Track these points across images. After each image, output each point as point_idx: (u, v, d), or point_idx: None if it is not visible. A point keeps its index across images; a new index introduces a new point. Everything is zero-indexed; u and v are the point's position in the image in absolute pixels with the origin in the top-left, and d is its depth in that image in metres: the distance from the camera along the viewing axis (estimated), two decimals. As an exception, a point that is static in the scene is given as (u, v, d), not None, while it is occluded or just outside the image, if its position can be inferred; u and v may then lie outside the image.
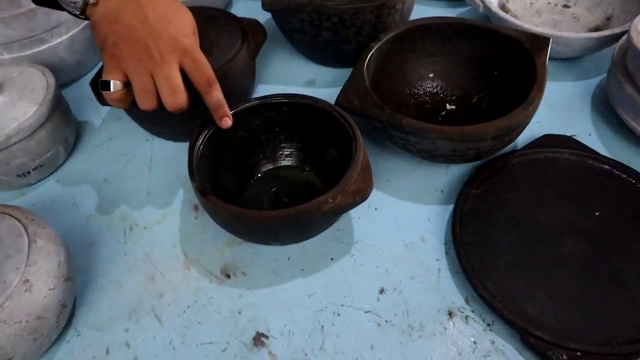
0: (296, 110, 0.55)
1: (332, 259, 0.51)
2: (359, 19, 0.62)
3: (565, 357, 0.42)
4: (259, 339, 0.46)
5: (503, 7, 0.76)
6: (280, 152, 0.58)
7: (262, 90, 0.70)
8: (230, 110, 0.51)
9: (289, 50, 0.77)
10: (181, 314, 0.48)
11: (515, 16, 0.76)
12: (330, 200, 0.44)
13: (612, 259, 0.48)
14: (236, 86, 0.60)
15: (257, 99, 0.54)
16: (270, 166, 0.58)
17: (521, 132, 0.54)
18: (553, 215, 0.51)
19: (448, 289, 0.48)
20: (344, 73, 0.72)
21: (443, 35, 0.63)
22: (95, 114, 0.70)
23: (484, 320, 0.46)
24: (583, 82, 0.68)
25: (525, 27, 0.65)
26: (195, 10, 0.64)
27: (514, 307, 0.45)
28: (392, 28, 0.61)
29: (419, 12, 0.80)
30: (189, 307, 0.49)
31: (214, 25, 0.62)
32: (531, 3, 0.78)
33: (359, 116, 0.53)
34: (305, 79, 0.72)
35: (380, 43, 0.59)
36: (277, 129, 0.57)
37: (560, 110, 0.65)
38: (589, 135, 0.62)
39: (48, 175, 0.62)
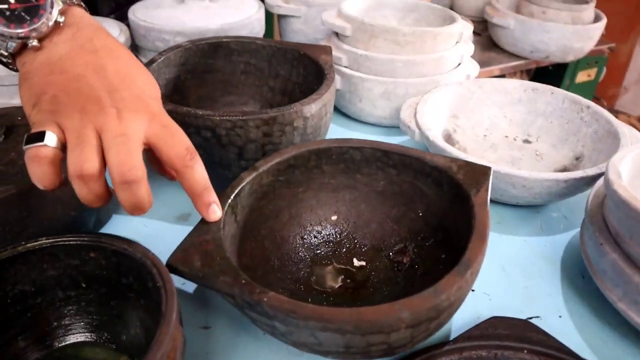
0: (110, 261, 0.36)
1: None
2: (239, 136, 0.45)
3: None
4: None
5: (449, 137, 0.61)
6: (84, 321, 0.38)
7: (118, 221, 0.51)
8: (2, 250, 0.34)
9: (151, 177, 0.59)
10: None
11: (464, 149, 0.61)
12: None
13: None
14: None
15: (51, 237, 0.35)
16: (62, 344, 0.37)
17: (455, 311, 0.34)
18: None
19: None
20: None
21: (348, 163, 0.46)
22: None
23: None
24: (549, 237, 0.50)
25: (462, 156, 0.48)
26: None
27: None
28: (276, 153, 0.44)
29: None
30: None
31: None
32: (485, 136, 0.64)
33: (201, 285, 0.34)
34: (177, 214, 0.52)
35: (255, 174, 0.42)
36: (85, 285, 0.37)
37: (519, 277, 0.46)
38: (560, 317, 0.42)
39: None
